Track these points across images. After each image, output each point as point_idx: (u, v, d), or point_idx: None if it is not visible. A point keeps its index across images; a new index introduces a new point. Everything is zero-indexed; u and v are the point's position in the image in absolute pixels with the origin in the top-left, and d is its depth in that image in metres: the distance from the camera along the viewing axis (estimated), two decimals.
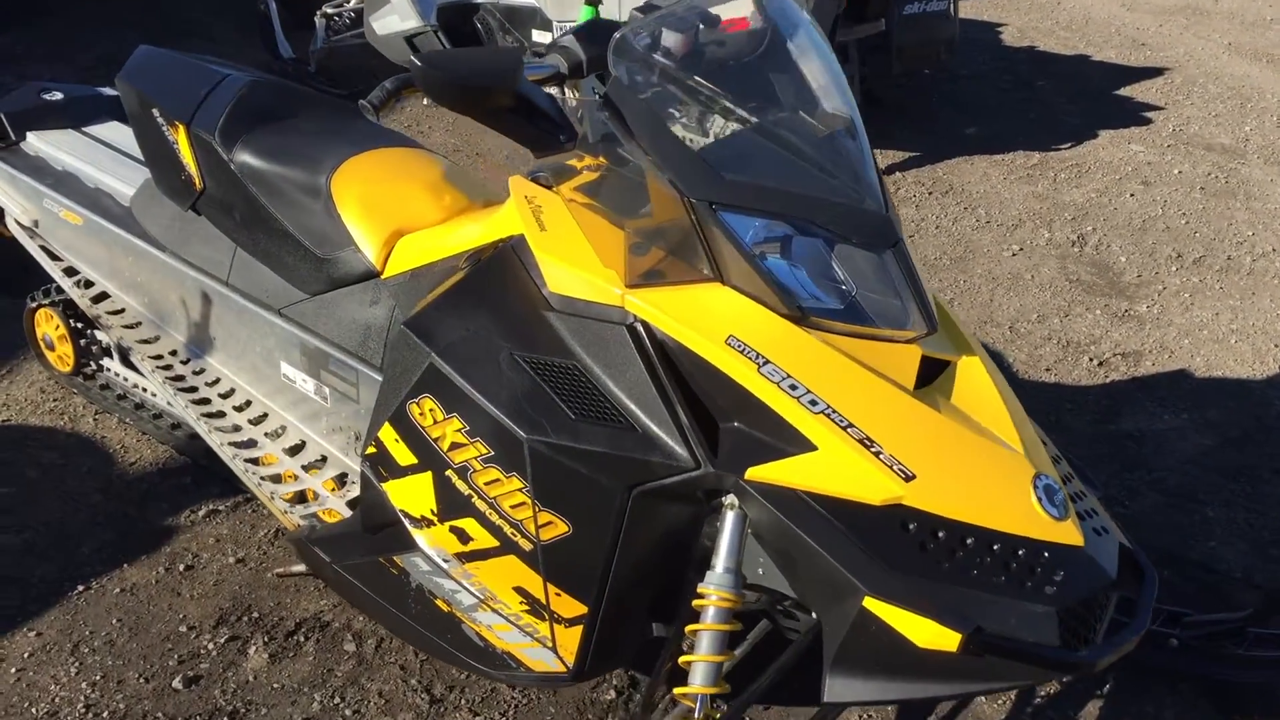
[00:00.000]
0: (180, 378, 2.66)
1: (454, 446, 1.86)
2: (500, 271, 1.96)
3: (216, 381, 2.65)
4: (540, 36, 5.55)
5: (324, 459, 2.45)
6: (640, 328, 1.77)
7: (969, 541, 1.61)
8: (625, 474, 1.75)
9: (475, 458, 1.84)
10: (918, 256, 4.21)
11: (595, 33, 2.02)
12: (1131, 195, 4.94)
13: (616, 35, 1.83)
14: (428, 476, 1.91)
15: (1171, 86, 6.51)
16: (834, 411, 1.65)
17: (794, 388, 1.66)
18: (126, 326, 2.80)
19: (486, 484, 1.83)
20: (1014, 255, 4.35)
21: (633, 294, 1.77)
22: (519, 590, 1.88)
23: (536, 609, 1.88)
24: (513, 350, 1.84)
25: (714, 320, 1.73)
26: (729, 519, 1.74)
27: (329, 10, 6.11)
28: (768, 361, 1.68)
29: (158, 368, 2.67)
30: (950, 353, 1.82)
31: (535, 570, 1.84)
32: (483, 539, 1.87)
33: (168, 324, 2.75)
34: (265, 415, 2.57)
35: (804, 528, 1.64)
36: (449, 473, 1.87)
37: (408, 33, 5.65)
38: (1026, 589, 1.60)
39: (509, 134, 1.86)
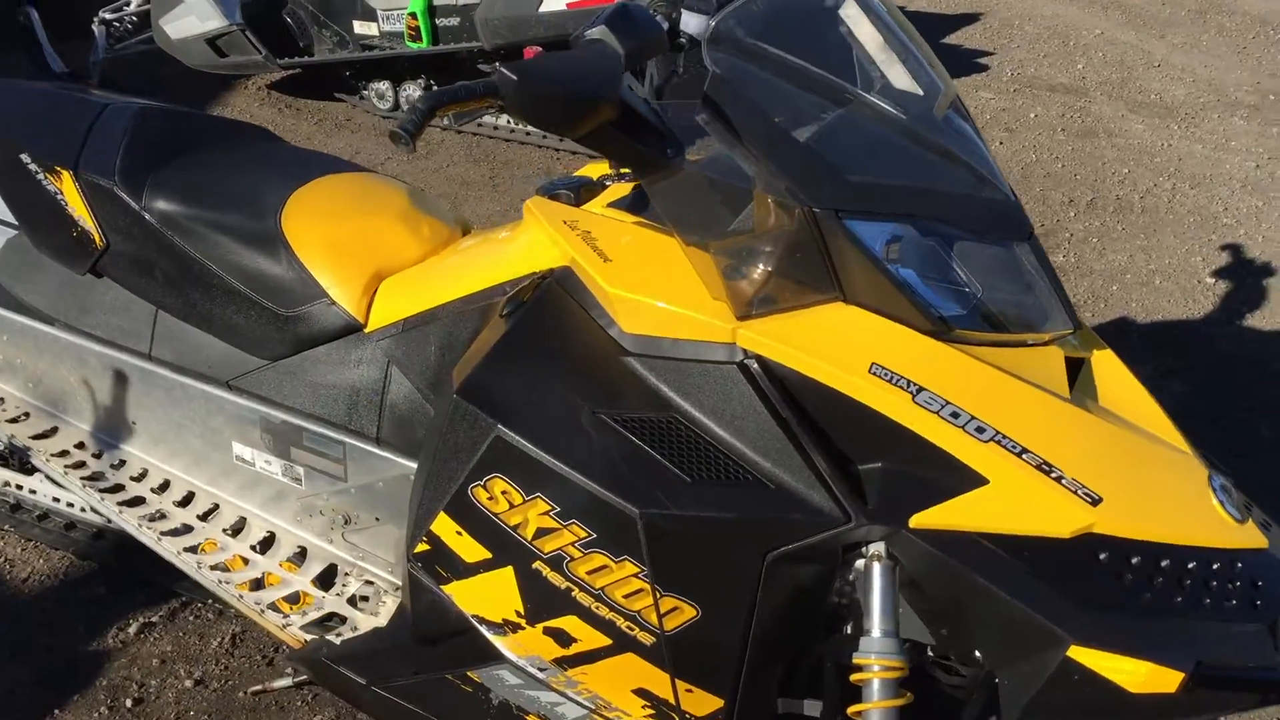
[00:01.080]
0: (97, 476, 2.23)
1: (541, 533, 1.57)
2: (555, 314, 1.68)
3: (144, 475, 2.23)
4: (364, 28, 5.13)
5: (302, 552, 2.09)
6: (755, 365, 1.53)
7: (1164, 564, 1.46)
8: (761, 539, 1.51)
9: (571, 544, 1.56)
10: None
11: (628, 21, 1.73)
12: (1000, 143, 4.97)
13: (713, 21, 1.56)
14: (508, 572, 1.61)
15: (992, 31, 6.63)
16: (1004, 438, 1.46)
17: (956, 415, 1.46)
18: (10, 421, 2.33)
19: (590, 573, 1.55)
20: None
21: (745, 326, 1.52)
22: (641, 693, 1.61)
23: (664, 712, 1.62)
24: (594, 408, 1.56)
25: (849, 347, 1.50)
26: (877, 573, 1.52)
27: (107, 16, 5.46)
28: (922, 389, 1.47)
29: (65, 467, 2.22)
30: (1080, 349, 1.65)
31: (660, 666, 1.57)
32: (590, 638, 1.59)
33: (67, 412, 2.30)
34: (216, 508, 2.17)
35: (986, 575, 1.45)
36: (537, 565, 1.58)
37: (210, 34, 5.13)
38: (1232, 607, 1.46)
39: (610, 154, 1.57)
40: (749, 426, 1.53)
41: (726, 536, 1.52)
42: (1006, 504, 1.45)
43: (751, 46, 1.57)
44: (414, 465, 1.93)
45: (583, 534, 1.55)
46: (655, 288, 1.59)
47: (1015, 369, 1.53)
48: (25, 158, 2.13)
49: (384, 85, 5.22)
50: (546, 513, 1.56)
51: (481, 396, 1.61)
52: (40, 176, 2.12)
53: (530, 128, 4.96)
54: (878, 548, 1.52)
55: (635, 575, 1.53)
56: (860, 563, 1.55)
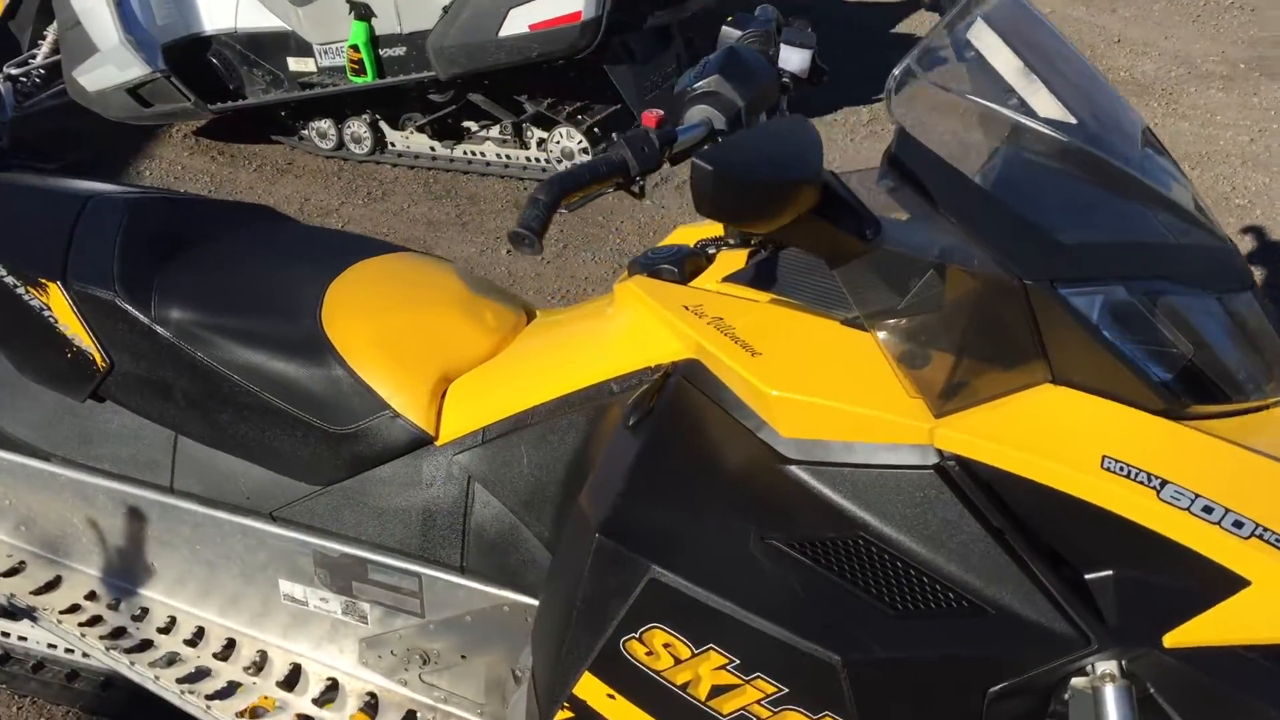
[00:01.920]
0: (118, 632, 1.92)
1: (717, 692, 1.33)
2: (693, 421, 1.44)
3: (172, 624, 1.94)
4: (300, 64, 4.81)
5: (373, 700, 1.82)
6: (955, 467, 1.30)
7: None
8: (983, 675, 1.30)
9: (757, 702, 1.32)
10: None
11: (741, 67, 1.49)
12: None
13: (898, 71, 1.33)
14: None
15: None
16: (1266, 530, 1.24)
17: (1209, 510, 1.25)
18: (4, 575, 2.01)
19: None
20: None
21: (945, 424, 1.29)
22: None
23: None
24: (761, 533, 1.33)
25: (1074, 438, 1.29)
26: (1112, 698, 1.30)
27: (12, 71, 5.05)
28: (1166, 482, 1.25)
29: (79, 626, 1.92)
30: None
31: None
32: None
33: (71, 558, 2.00)
34: (264, 656, 1.88)
35: (1257, 693, 1.25)
36: None
37: (131, 83, 4.77)
38: None
39: (806, 245, 1.31)
40: (954, 541, 1.31)
41: (944, 677, 1.30)
42: (1274, 608, 1.24)
43: (935, 94, 1.34)
44: (507, 595, 1.69)
45: (771, 689, 1.31)
46: (824, 385, 1.36)
47: (1250, 441, 1.32)
48: (2, 271, 1.82)
49: (325, 124, 4.90)
50: (723, 667, 1.32)
51: (628, 532, 1.36)
52: (21, 292, 1.82)
53: (492, 156, 4.68)
54: (1108, 666, 1.30)
55: None
56: (1080, 682, 1.33)
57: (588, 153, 4.45)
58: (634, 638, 1.36)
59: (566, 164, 4.50)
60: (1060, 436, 1.28)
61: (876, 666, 1.28)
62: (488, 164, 4.72)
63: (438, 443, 1.69)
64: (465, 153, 4.74)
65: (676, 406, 1.45)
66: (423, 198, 4.56)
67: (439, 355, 1.73)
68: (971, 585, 1.30)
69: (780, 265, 1.55)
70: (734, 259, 1.62)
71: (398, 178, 4.73)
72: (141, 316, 1.76)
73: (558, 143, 4.51)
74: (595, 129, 4.46)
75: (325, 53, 4.74)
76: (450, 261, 1.96)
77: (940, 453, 1.31)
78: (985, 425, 1.30)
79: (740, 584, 1.32)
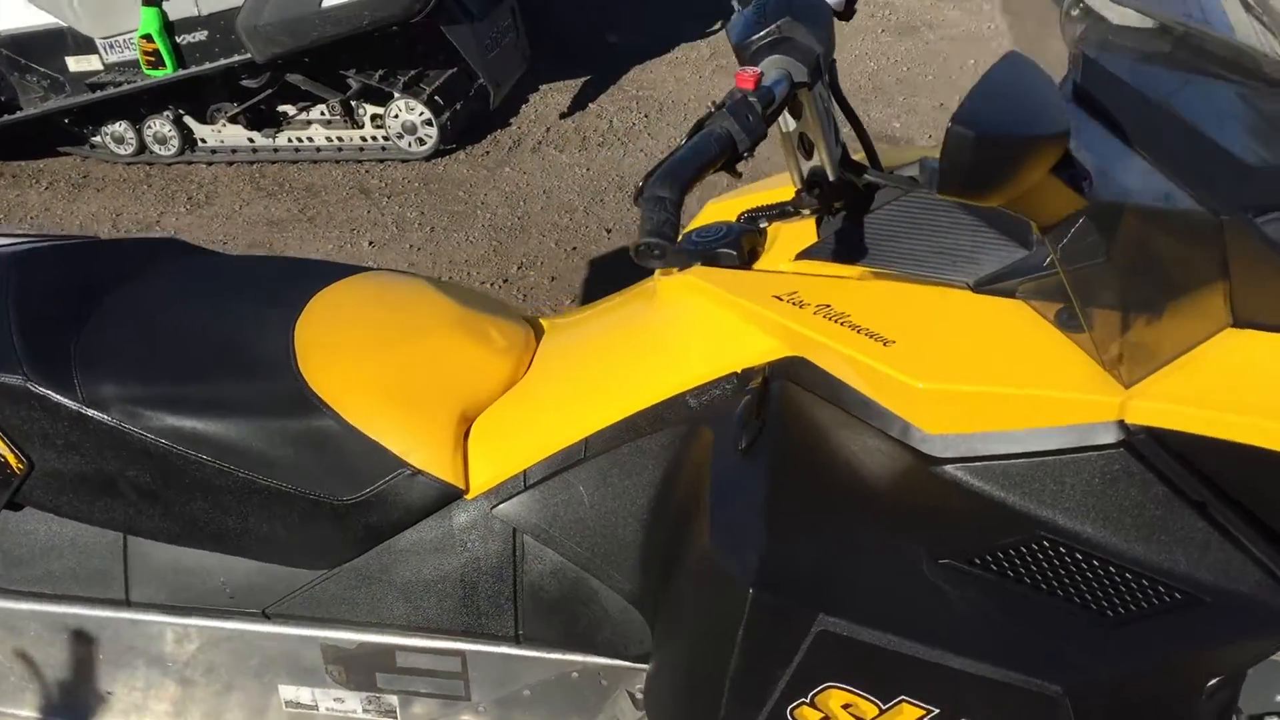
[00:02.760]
0: None
1: None
2: (816, 432, 1.24)
3: None
4: (83, 64, 4.28)
5: None
6: (1146, 440, 1.13)
7: None
8: (1205, 668, 1.16)
9: None
10: None
11: (804, 5, 1.27)
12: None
13: None
14: None
15: None
16: None
17: None
18: None
19: None
20: None
21: (1138, 394, 1.12)
22: None
23: None
24: (933, 554, 1.14)
25: (1275, 386, 1.13)
26: None
27: None
28: None
29: None
30: None
31: None
32: None
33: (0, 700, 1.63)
34: None
35: None
36: None
37: None
38: None
39: (1028, 209, 1.08)
40: (1153, 525, 1.15)
41: (1168, 682, 1.14)
42: None
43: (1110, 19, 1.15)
44: (575, 659, 1.45)
45: None
46: (981, 368, 1.17)
47: None
48: None
49: (120, 127, 4.39)
50: (924, 718, 1.13)
51: (784, 580, 1.14)
52: None
53: (322, 140, 4.29)
54: None
55: None
56: None
57: (431, 124, 4.11)
58: (804, 703, 1.15)
59: (408, 140, 4.15)
60: (1261, 387, 1.13)
61: (1101, 688, 1.11)
62: (319, 150, 4.32)
63: (469, 495, 1.43)
64: (291, 140, 4.33)
65: (792, 417, 1.24)
66: (254, 196, 4.14)
67: (451, 391, 1.46)
68: (1180, 572, 1.14)
69: (864, 231, 1.34)
70: (795, 232, 1.40)
71: (218, 177, 4.28)
72: (64, 400, 1.42)
73: (396, 117, 4.15)
74: (437, 97, 4.12)
75: (111, 47, 4.22)
76: (423, 277, 1.66)
77: (1126, 427, 1.14)
78: (1179, 387, 1.13)
79: (925, 619, 1.13)
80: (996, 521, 1.17)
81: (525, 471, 1.41)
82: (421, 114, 4.12)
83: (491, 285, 3.40)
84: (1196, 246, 1.12)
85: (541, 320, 1.63)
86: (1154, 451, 1.14)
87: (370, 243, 3.73)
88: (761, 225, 1.42)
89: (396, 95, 4.12)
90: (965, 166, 0.96)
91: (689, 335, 1.35)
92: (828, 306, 1.24)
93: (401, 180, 4.11)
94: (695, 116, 4.09)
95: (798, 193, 1.38)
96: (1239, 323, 1.15)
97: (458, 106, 4.22)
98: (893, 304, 1.24)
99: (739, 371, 1.31)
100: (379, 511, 1.43)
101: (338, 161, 4.30)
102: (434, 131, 4.14)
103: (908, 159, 1.43)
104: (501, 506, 1.42)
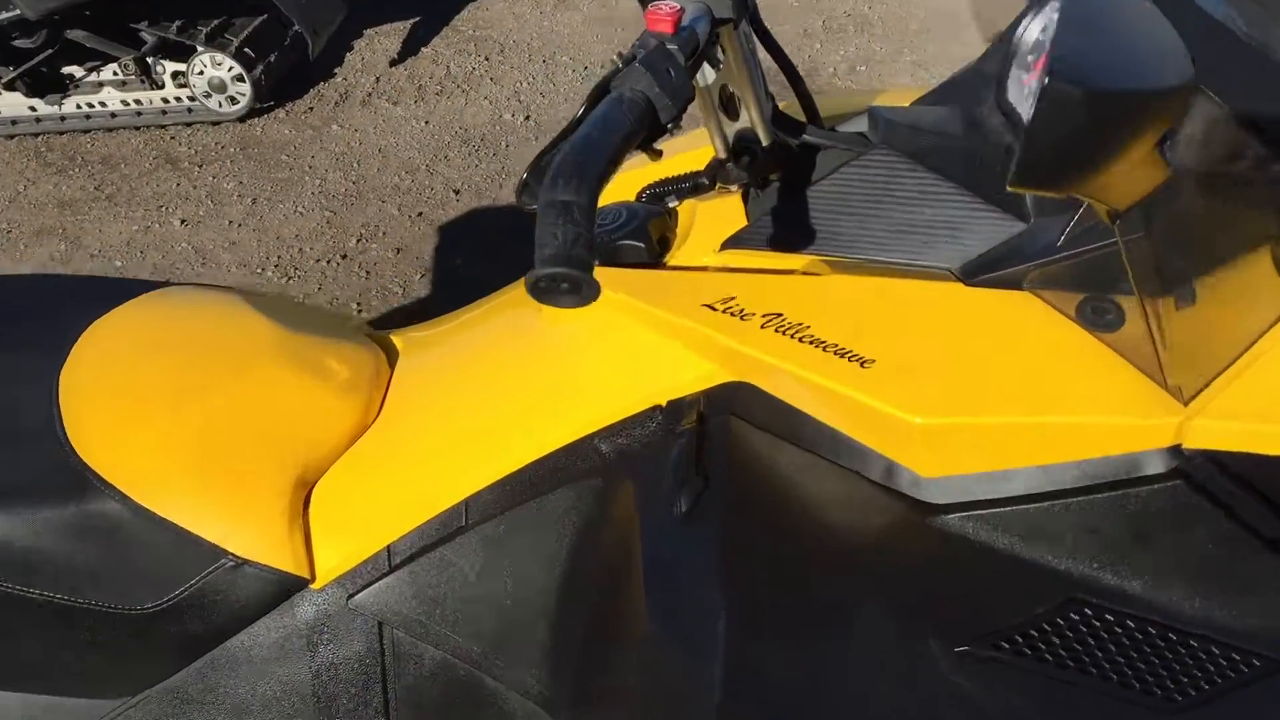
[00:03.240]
0: None
1: None
2: (777, 483, 0.94)
3: None
4: None
5: None
6: (1206, 466, 0.88)
7: None
8: None
9: None
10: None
11: None
12: None
13: None
14: None
15: None
16: None
17: None
18: None
19: None
20: None
21: (1200, 413, 0.86)
22: None
23: None
24: (947, 641, 0.87)
25: None
26: None
27: None
28: None
29: None
30: None
31: None
32: None
33: None
34: None
35: None
36: None
37: None
38: None
39: (1112, 197, 0.77)
40: (1220, 572, 0.89)
41: None
42: None
43: None
44: None
45: None
46: (995, 394, 0.88)
47: None
48: None
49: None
50: None
51: (758, 694, 0.85)
52: None
53: (116, 105, 3.77)
54: None
55: None
56: None
57: (243, 80, 3.64)
58: None
59: (218, 99, 3.68)
60: None
61: None
62: (114, 115, 3.80)
63: (315, 585, 1.10)
64: (80, 106, 3.80)
65: (744, 465, 0.94)
66: (40, 174, 3.61)
67: (279, 449, 1.12)
68: (1258, 632, 0.89)
69: (807, 207, 1.04)
70: (715, 212, 1.09)
71: None
72: None
73: (200, 73, 3.67)
74: (246, 48, 3.65)
75: None
76: (234, 290, 1.30)
77: (1182, 452, 0.88)
78: (1243, 401, 0.87)
79: None
80: (1022, 586, 0.90)
81: (389, 548, 1.09)
82: (231, 69, 3.65)
83: (328, 263, 3.00)
84: (1267, 220, 0.85)
85: (393, 337, 1.29)
86: (1217, 481, 0.88)
87: (183, 221, 3.28)
88: (670, 205, 1.11)
89: (199, 49, 3.64)
90: (1065, 141, 0.67)
91: (595, 358, 1.04)
92: (779, 316, 0.94)
93: (214, 146, 3.65)
94: (542, 58, 3.72)
95: (714, 161, 1.07)
96: None
97: (272, 58, 3.76)
98: (862, 306, 0.95)
99: (663, 405, 1.00)
100: (195, 618, 1.08)
101: (138, 128, 3.80)
102: (247, 88, 3.68)
103: (850, 109, 1.13)
104: (360, 596, 1.09)
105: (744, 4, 0.93)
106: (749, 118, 0.99)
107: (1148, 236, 0.80)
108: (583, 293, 0.72)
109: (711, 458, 0.94)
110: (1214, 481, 0.88)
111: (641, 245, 1.05)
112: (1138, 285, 0.84)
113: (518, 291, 1.26)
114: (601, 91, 0.82)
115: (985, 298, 0.93)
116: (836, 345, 0.91)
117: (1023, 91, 1.09)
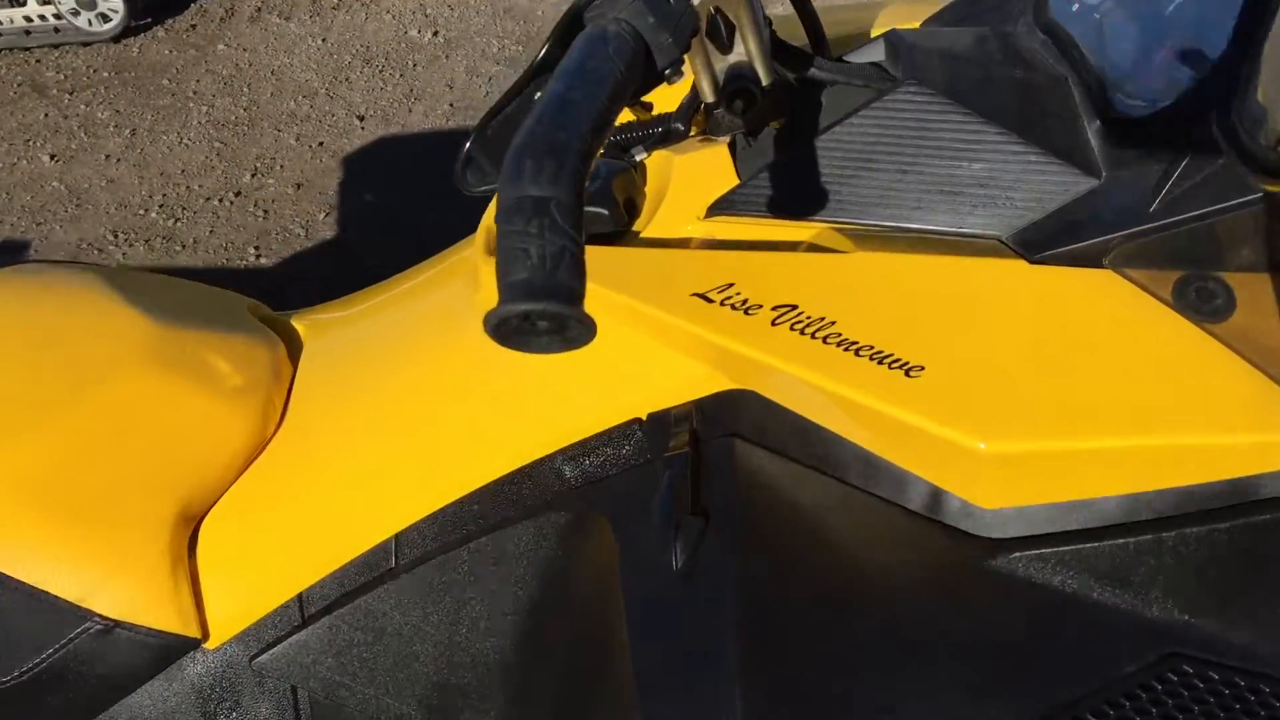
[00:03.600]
0: None
1: None
2: (795, 524, 0.75)
3: None
4: None
5: None
6: None
7: None
8: None
9: None
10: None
11: None
12: None
13: None
14: None
15: None
16: None
17: None
18: None
19: None
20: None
21: None
22: None
23: None
24: (1021, 715, 0.69)
25: None
26: None
27: None
28: None
29: None
30: None
31: None
32: None
33: None
34: None
35: None
36: None
37: None
38: None
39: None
40: None
41: None
42: None
43: None
44: None
45: None
46: (1076, 406, 0.70)
47: None
48: None
49: None
50: None
51: None
52: None
53: None
54: None
55: None
56: None
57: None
58: None
59: (87, 17, 3.32)
60: None
61: None
62: None
63: (209, 645, 0.88)
64: None
65: (754, 502, 0.74)
66: None
67: (155, 480, 0.89)
68: None
69: (816, 161, 0.82)
70: (695, 167, 0.87)
71: None
72: None
73: None
74: None
75: None
76: (91, 267, 1.05)
77: None
78: None
79: None
80: (1108, 640, 0.72)
81: (299, 597, 0.88)
82: None
83: (220, 201, 2.72)
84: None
85: (294, 321, 1.06)
86: None
87: (52, 156, 2.95)
88: (636, 158, 0.88)
89: None
90: None
91: (556, 358, 0.82)
92: (793, 309, 0.73)
93: (86, 70, 3.30)
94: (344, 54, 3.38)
95: (688, 103, 0.84)
96: None
97: None
98: (899, 292, 0.75)
99: (643, 418, 0.80)
100: (59, 692, 0.87)
101: None
102: (119, 3, 3.32)
103: (863, 32, 0.91)
104: (266, 656, 0.88)
105: None
106: (745, 49, 0.77)
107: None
108: (569, 333, 0.51)
109: (711, 491, 0.74)
110: None
111: (605, 212, 0.83)
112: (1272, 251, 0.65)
113: (451, 261, 1.04)
114: (573, 25, 0.60)
115: (1058, 279, 0.74)
116: (872, 347, 0.71)
117: (1072, 8, 0.89)
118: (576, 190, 0.50)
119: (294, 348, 1.02)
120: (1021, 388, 0.70)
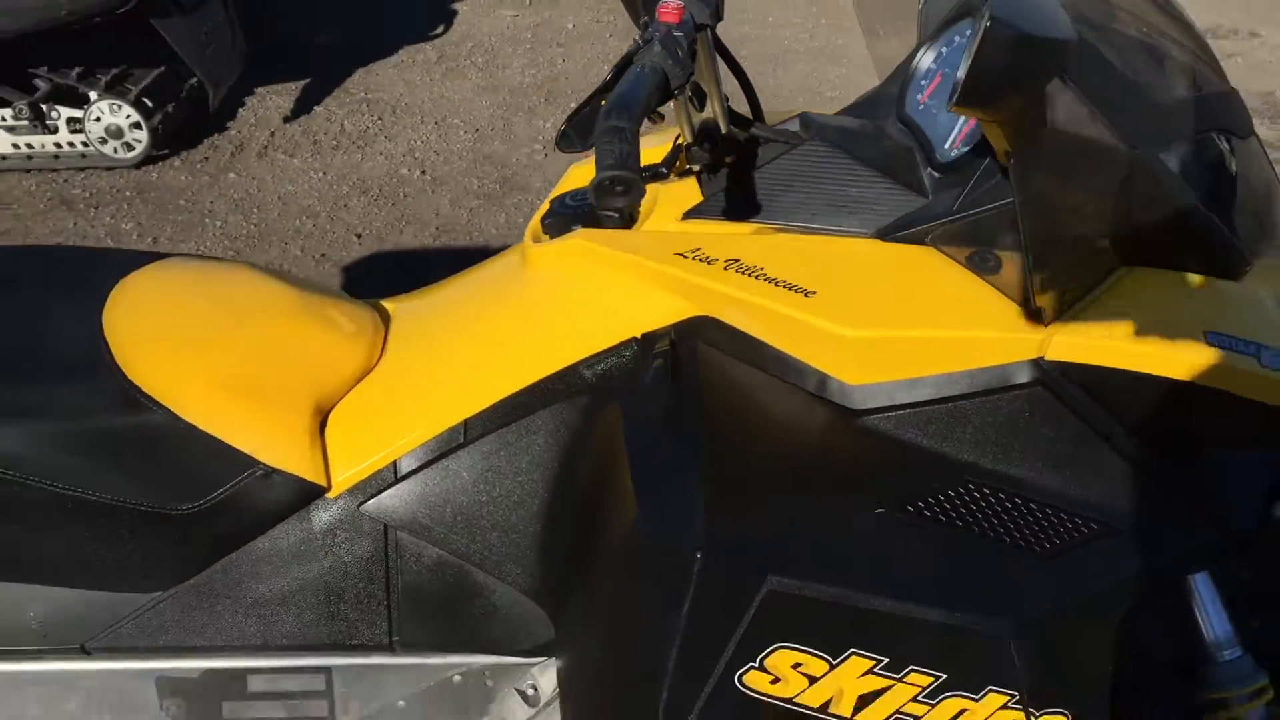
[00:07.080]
0: None
1: (866, 701, 1.14)
2: (737, 393, 1.21)
3: None
4: None
5: None
6: (1059, 378, 1.18)
7: None
8: (1129, 596, 1.20)
9: (913, 698, 1.14)
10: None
11: None
12: (559, 45, 4.74)
13: None
14: None
15: None
16: None
17: None
18: None
19: None
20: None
21: (1059, 330, 1.16)
22: None
23: None
24: (866, 507, 1.14)
25: (1170, 319, 1.21)
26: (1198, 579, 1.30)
27: None
28: (1263, 347, 1.22)
29: None
30: None
31: None
32: None
33: None
34: None
35: None
36: None
37: None
38: None
39: (1006, 139, 1.05)
40: (1068, 459, 1.20)
41: (1099, 611, 1.18)
42: None
43: None
44: (457, 660, 1.37)
45: (927, 680, 1.13)
46: (908, 314, 1.18)
47: None
48: None
49: None
50: (869, 670, 1.12)
51: (731, 545, 1.10)
52: None
53: (7, 148, 3.85)
54: None
55: (1003, 707, 1.15)
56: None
57: (141, 128, 3.79)
58: (753, 667, 1.11)
59: (114, 145, 3.81)
60: (1163, 320, 1.20)
61: (1042, 624, 1.14)
62: (3, 158, 3.89)
63: (331, 494, 1.30)
64: None
65: (711, 380, 1.20)
66: None
67: (299, 380, 1.33)
68: (1093, 503, 1.19)
69: (753, 186, 1.32)
70: (675, 194, 1.37)
71: None
72: None
73: (98, 120, 3.80)
74: (145, 98, 3.81)
75: None
76: (242, 261, 1.51)
77: (1042, 365, 1.18)
78: (1093, 324, 1.18)
79: (868, 571, 1.12)
80: (923, 470, 1.18)
81: (395, 463, 1.30)
82: (129, 116, 3.79)
83: None
84: (1112, 181, 1.17)
85: (384, 304, 1.51)
86: (1066, 388, 1.18)
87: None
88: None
89: (95, 97, 3.77)
90: (1000, 69, 0.95)
91: (578, 300, 1.29)
92: (737, 261, 1.21)
93: (109, 189, 3.77)
94: (434, 120, 3.98)
95: (675, 149, 1.34)
96: (1129, 260, 1.22)
97: (170, 108, 3.92)
98: (803, 256, 1.23)
99: (639, 336, 1.26)
100: (226, 519, 1.27)
101: (27, 170, 3.89)
102: (144, 135, 3.82)
103: (784, 116, 1.42)
104: (370, 503, 1.30)
105: (718, 13, 1.22)
106: (712, 109, 1.27)
107: (1028, 185, 1.10)
108: (632, 193, 0.97)
109: (683, 375, 1.20)
110: (1065, 389, 1.18)
111: (615, 215, 1.31)
112: (1025, 226, 1.12)
113: (494, 263, 1.50)
114: (626, 63, 1.09)
115: (897, 250, 1.22)
116: (786, 281, 1.19)
117: (919, 108, 1.40)
118: (636, 125, 0.98)
119: (385, 316, 1.48)
120: (874, 305, 1.18)
